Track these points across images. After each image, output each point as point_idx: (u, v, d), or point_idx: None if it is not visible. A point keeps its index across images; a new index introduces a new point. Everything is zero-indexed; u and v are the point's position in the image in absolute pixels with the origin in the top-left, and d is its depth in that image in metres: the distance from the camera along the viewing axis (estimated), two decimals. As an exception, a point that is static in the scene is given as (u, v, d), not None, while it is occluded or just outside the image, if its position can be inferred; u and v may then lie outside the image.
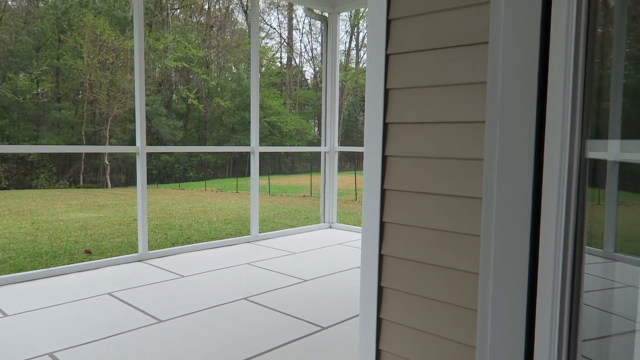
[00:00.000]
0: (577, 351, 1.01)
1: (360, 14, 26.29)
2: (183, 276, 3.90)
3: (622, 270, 1.01)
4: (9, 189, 18.51)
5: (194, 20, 25.95)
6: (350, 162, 23.66)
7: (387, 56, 1.62)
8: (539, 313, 1.11)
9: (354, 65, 28.37)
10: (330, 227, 6.20)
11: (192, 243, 5.72)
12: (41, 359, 2.40)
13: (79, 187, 20.26)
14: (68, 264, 4.61)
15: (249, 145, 5.26)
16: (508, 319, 1.19)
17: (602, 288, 1.06)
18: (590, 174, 0.94)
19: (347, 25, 27.42)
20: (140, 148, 4.26)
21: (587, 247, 1.00)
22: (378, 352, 1.73)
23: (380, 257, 1.70)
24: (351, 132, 27.20)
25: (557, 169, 0.93)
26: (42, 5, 21.56)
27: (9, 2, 21.20)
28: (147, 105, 20.56)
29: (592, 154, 0.86)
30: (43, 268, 4.25)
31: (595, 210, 1.01)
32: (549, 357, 1.04)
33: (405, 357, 1.63)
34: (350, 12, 25.99)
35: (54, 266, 4.24)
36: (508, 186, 1.15)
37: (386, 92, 1.65)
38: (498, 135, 1.14)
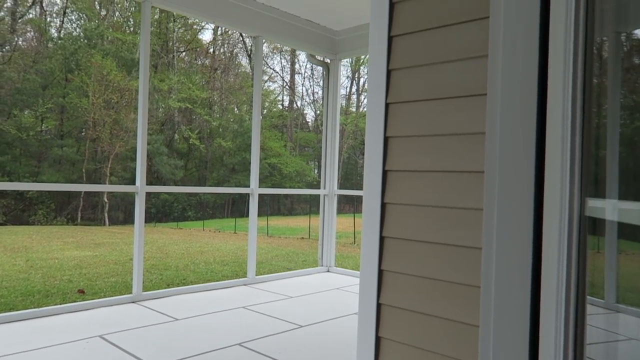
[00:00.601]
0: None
1: (361, 61, 26.92)
2: (177, 319, 3.82)
3: (625, 322, 0.99)
4: (5, 224, 18.40)
5: (199, 62, 26.56)
6: (350, 205, 23.64)
7: (386, 105, 1.65)
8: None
9: (354, 109, 28.82)
10: (328, 271, 6.13)
11: (188, 284, 5.63)
12: (25, 405, 2.31)
13: (76, 225, 20.15)
14: (60, 303, 4.53)
15: (249, 186, 5.27)
16: (509, 375, 1.16)
17: (605, 340, 1.03)
18: (590, 223, 0.94)
19: (348, 70, 28.03)
20: (140, 187, 4.26)
21: (588, 297, 0.98)
22: (375, 406, 1.67)
23: (378, 305, 1.66)
24: (351, 175, 27.32)
25: (557, 225, 0.93)
26: (51, 45, 22.11)
27: (20, 42, 21.75)
28: (148, 144, 20.76)
29: (591, 212, 0.85)
30: (35, 307, 4.16)
31: (595, 259, 1.00)
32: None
33: (403, 412, 1.57)
34: (352, 59, 26.65)
35: (46, 306, 4.16)
36: (508, 238, 1.14)
37: (385, 139, 1.66)
38: (497, 186, 1.14)
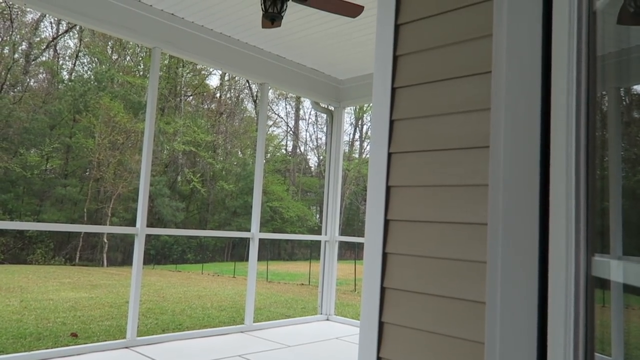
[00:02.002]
0: None
1: (364, 109, 27.38)
2: (170, 367, 3.70)
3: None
4: (3, 263, 18.21)
5: (205, 106, 27.05)
6: (351, 251, 23.40)
7: (389, 154, 1.65)
8: None
9: (357, 156, 29.05)
10: (328, 319, 5.99)
11: (184, 330, 5.50)
12: None
13: (74, 265, 19.94)
14: (52, 347, 4.41)
15: (250, 229, 5.24)
16: None
17: None
18: (597, 281, 0.91)
19: (352, 117, 28.47)
20: (140, 229, 4.24)
21: (597, 354, 0.94)
22: None
23: (379, 359, 1.61)
24: (353, 221, 27.21)
25: (563, 284, 0.91)
26: (61, 87, 22.62)
27: (31, 83, 22.26)
28: (151, 185, 20.82)
29: (598, 271, 0.83)
30: (26, 351, 4.05)
31: (602, 316, 0.97)
32: None
33: None
34: (355, 107, 27.13)
35: (38, 349, 4.04)
36: (512, 293, 1.12)
37: (387, 188, 1.65)
38: (500, 239, 1.12)
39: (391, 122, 1.66)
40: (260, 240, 5.34)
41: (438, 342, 1.45)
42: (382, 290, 1.63)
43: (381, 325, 1.62)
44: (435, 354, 1.45)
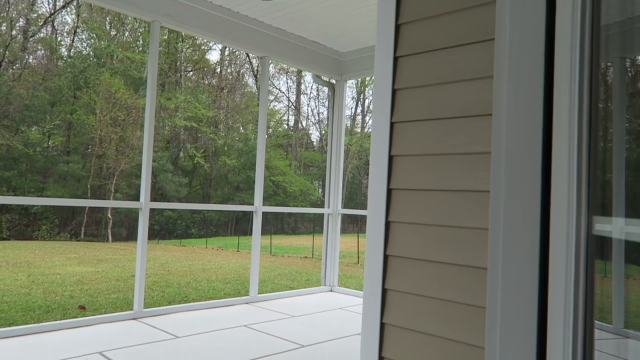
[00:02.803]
0: None
1: (367, 82, 27.16)
2: (177, 337, 3.79)
3: (634, 347, 0.97)
4: (9, 239, 18.41)
5: (206, 82, 26.86)
6: (354, 225, 23.56)
7: (391, 124, 1.66)
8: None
9: (359, 130, 28.96)
10: (331, 291, 6.08)
11: (190, 302, 5.60)
12: (23, 421, 2.28)
13: (79, 240, 20.15)
14: (61, 319, 4.51)
15: (253, 204, 5.27)
16: (514, 398, 1.14)
17: None
18: (598, 247, 0.93)
19: (354, 91, 28.26)
20: (144, 204, 4.27)
21: (597, 322, 0.97)
22: None
23: (382, 325, 1.65)
24: (355, 195, 27.31)
25: (564, 244, 0.93)
26: (61, 63, 22.44)
27: (30, 60, 22.08)
28: (154, 161, 20.85)
29: (598, 231, 0.85)
30: (35, 323, 4.14)
31: (603, 284, 0.99)
32: None
33: None
34: (357, 80, 26.89)
35: (46, 321, 4.13)
36: (514, 258, 1.14)
37: (390, 158, 1.67)
38: (503, 205, 1.14)
39: (393, 92, 1.66)
40: (264, 214, 5.38)
41: (440, 307, 1.48)
42: (385, 258, 1.66)
43: (384, 292, 1.65)
44: (437, 318, 1.48)
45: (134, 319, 4.25)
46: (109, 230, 21.14)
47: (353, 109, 28.87)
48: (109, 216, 21.24)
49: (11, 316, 5.60)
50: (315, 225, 23.22)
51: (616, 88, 1.19)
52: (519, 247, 1.13)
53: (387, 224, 1.65)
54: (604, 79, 1.20)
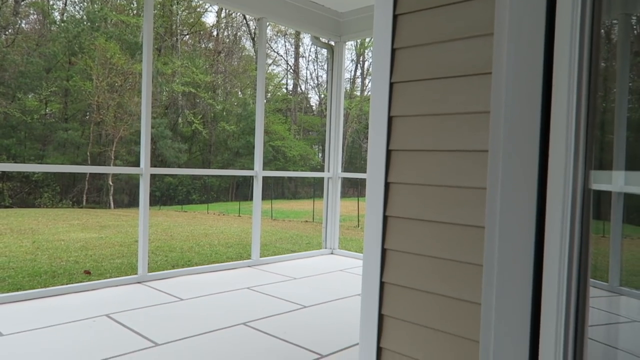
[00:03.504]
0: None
1: (366, 44, 26.71)
2: (182, 299, 3.86)
3: (628, 304, 1.00)
4: (12, 207, 18.54)
5: (202, 46, 26.41)
6: (354, 189, 23.67)
7: (391, 84, 1.64)
8: (543, 347, 1.09)
9: (359, 93, 28.69)
10: (332, 253, 6.16)
11: (193, 266, 5.69)
12: (35, 380, 2.36)
13: (81, 207, 20.29)
14: (67, 284, 4.59)
15: (253, 169, 5.28)
16: (510, 351, 1.17)
17: (607, 322, 1.04)
18: (595, 206, 0.94)
19: (353, 54, 27.84)
20: (144, 169, 4.28)
21: (592, 280, 0.99)
22: (377, 382, 1.69)
23: (382, 284, 1.68)
24: (355, 159, 27.30)
25: (561, 199, 0.93)
26: (54, 28, 22.01)
27: (23, 25, 21.65)
28: (152, 127, 20.71)
29: (596, 185, 0.86)
30: (41, 288, 4.22)
31: (600, 243, 1.00)
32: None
33: (405, 388, 1.59)
34: (356, 42, 26.43)
35: (53, 286, 4.21)
36: (511, 216, 1.15)
37: (390, 119, 1.66)
38: (501, 165, 1.14)
39: (393, 51, 1.64)
40: (264, 180, 5.39)
41: (439, 265, 1.51)
42: (385, 218, 1.67)
43: (384, 251, 1.68)
44: (435, 276, 1.51)
45: (138, 282, 4.33)
46: (111, 197, 21.25)
47: (352, 72, 28.51)
48: (110, 183, 21.31)
49: (18, 281, 5.70)
50: (315, 189, 23.33)
51: (620, 46, 1.17)
52: (517, 205, 1.15)
53: (387, 185, 1.66)
54: (608, 36, 1.18)
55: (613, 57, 1.17)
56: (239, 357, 2.74)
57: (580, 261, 0.97)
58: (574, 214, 0.91)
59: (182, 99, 24.81)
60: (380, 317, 1.69)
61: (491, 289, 1.21)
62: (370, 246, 1.71)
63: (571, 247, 0.96)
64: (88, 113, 22.45)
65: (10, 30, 20.98)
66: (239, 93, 26.95)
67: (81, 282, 4.19)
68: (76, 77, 21.12)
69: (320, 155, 27.41)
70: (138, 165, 4.37)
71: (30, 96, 20.77)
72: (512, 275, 1.17)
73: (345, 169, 25.20)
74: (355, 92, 28.80)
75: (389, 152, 1.67)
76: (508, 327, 1.18)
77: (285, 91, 29.44)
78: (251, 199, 5.39)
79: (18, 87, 20.15)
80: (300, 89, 30.05)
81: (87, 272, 6.33)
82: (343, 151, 7.00)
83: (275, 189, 25.45)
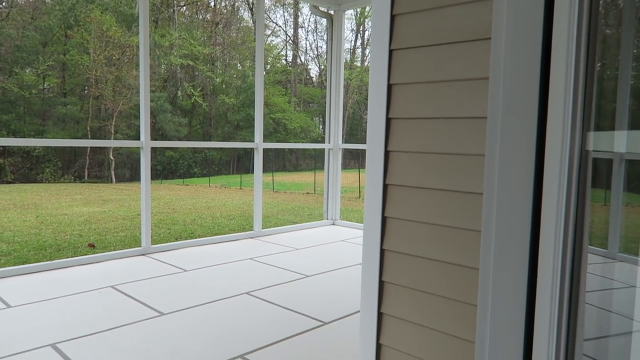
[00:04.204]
0: (575, 348, 1.01)
1: (366, 13, 26.27)
2: (186, 270, 3.92)
3: (627, 270, 1.01)
4: (14, 182, 18.61)
5: (200, 17, 25.98)
6: (355, 160, 23.66)
7: (390, 52, 1.63)
8: (539, 309, 1.11)
9: (359, 64, 28.36)
10: (334, 224, 6.21)
11: (196, 238, 5.74)
12: (44, 349, 2.42)
13: (83, 182, 20.36)
14: (72, 257, 4.64)
15: (253, 141, 5.28)
16: (507, 314, 1.20)
17: (603, 288, 1.06)
18: (594, 171, 0.94)
19: (353, 23, 27.41)
20: (145, 143, 4.28)
21: (591, 247, 1.00)
22: (378, 347, 1.73)
23: (382, 251, 1.70)
24: (356, 131, 27.20)
25: (558, 162, 0.94)
26: (49, 1, 21.63)
27: (16, -3, 21.28)
28: (152, 101, 20.59)
29: (594, 147, 0.86)
30: (47, 261, 4.27)
31: (599, 209, 1.01)
32: (547, 353, 1.04)
33: (405, 351, 1.63)
34: (356, 10, 25.98)
35: (58, 259, 4.26)
36: (509, 182, 1.16)
37: (389, 87, 1.65)
38: (499, 131, 1.14)
39: (392, 18, 1.62)
40: (265, 152, 5.39)
41: (439, 232, 1.52)
42: (385, 187, 1.68)
43: (384, 220, 1.69)
44: (435, 243, 1.53)
45: (142, 254, 4.38)
46: (112, 172, 21.29)
47: (352, 42, 28.12)
48: (111, 157, 21.32)
49: (24, 255, 5.77)
50: (316, 161, 23.31)
51: (626, 11, 1.16)
52: (515, 170, 1.15)
53: (387, 154, 1.67)
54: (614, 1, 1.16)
55: (615, 19, 1.16)
56: (243, 325, 2.80)
57: (576, 223, 0.98)
58: (571, 177, 0.92)
59: (180, 71, 24.57)
60: (381, 284, 1.71)
61: (489, 254, 1.23)
62: (370, 214, 1.73)
63: (567, 210, 0.97)
64: (86, 87, 22.29)
65: (4, 3, 20.65)
66: (238, 65, 26.66)
67: (86, 255, 4.24)
68: (73, 50, 20.88)
69: (321, 127, 27.30)
70: (138, 138, 4.37)
71: (27, 71, 20.59)
72: (510, 241, 1.18)
73: (346, 141, 25.11)
74: (355, 63, 28.47)
75: (388, 121, 1.66)
76: (505, 291, 1.20)
77: (284, 63, 29.11)
78: (252, 172, 5.40)
79: (15, 61, 19.95)
80: (300, 60, 29.70)
81: (92, 245, 6.40)
82: (344, 122, 6.96)
83: (276, 162, 25.45)
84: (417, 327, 1.59)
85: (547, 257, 1.07)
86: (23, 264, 4.25)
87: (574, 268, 1.01)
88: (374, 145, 1.69)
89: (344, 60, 6.21)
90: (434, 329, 1.54)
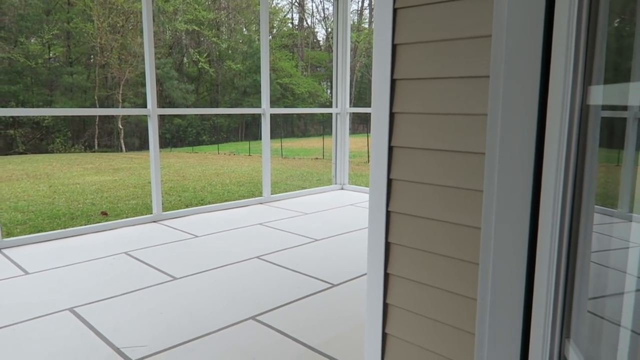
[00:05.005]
0: (574, 304, 1.03)
1: (374, -29, 25.54)
2: (197, 236, 3.98)
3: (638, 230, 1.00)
4: (26, 153, 18.80)
5: (203, -20, 25.43)
6: (363, 125, 23.51)
7: (394, 10, 1.59)
8: (539, 263, 1.12)
9: (367, 25, 27.77)
10: (342, 189, 6.24)
11: (206, 204, 5.81)
12: (62, 314, 2.50)
13: (94, 151, 20.51)
14: (85, 224, 4.73)
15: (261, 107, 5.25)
16: (508, 270, 1.21)
17: (615, 248, 1.06)
18: (593, 122, 0.92)
19: (360, -17, 26.69)
20: (152, 110, 4.28)
21: (603, 207, 1.00)
22: (385, 306, 1.77)
23: (388, 213, 1.71)
24: (364, 94, 26.90)
25: (559, 117, 0.93)
26: (49, -33, 21.26)
27: (17, -36, 20.93)
28: (158, 68, 20.43)
29: (594, 101, 0.85)
30: (61, 229, 4.36)
31: (613, 170, 1.00)
32: (545, 308, 1.06)
33: (411, 309, 1.67)
34: (363, -30, 25.25)
35: (72, 227, 4.35)
36: (511, 141, 1.15)
37: (394, 47, 1.62)
38: (502, 88, 1.13)
39: (396, -25, 1.58)
40: (273, 118, 5.36)
41: (444, 193, 1.53)
42: (390, 149, 1.68)
43: (390, 182, 1.70)
44: (440, 204, 1.54)
45: (154, 221, 4.45)
46: (122, 141, 21.38)
47: (360, 3, 27.47)
48: (120, 126, 21.37)
49: (38, 224, 5.89)
50: (324, 126, 23.20)
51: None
52: (517, 129, 1.14)
53: (392, 115, 1.65)
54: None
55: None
56: (253, 288, 2.86)
57: (575, 180, 0.97)
58: (571, 131, 0.91)
59: (185, 37, 24.27)
60: (387, 245, 1.73)
61: (490, 214, 1.23)
62: (376, 177, 1.73)
63: (567, 162, 0.97)
64: (92, 56, 22.15)
65: (5, -29, 20.33)
66: (244, 30, 26.24)
67: (99, 222, 4.31)
68: (77, 18, 20.65)
69: (329, 91, 27.03)
70: (146, 107, 4.37)
71: (32, 40, 20.46)
72: (511, 200, 1.19)
73: (354, 105, 24.90)
74: (363, 24, 27.88)
75: (393, 82, 1.64)
76: (505, 249, 1.21)
77: (290, 26, 28.59)
78: (261, 138, 5.40)
79: (19, 31, 19.81)
80: (306, 23, 29.15)
81: (104, 213, 6.51)
82: (351, 86, 6.88)
83: (284, 128, 25.37)
84: (422, 286, 1.62)
85: (547, 211, 1.07)
86: (38, 232, 4.34)
87: (572, 222, 1.01)
88: (378, 108, 1.68)
89: (351, 22, 6.08)
90: (439, 288, 1.56)
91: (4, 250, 3.55)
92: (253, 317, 2.46)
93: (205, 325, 2.37)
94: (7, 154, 18.05)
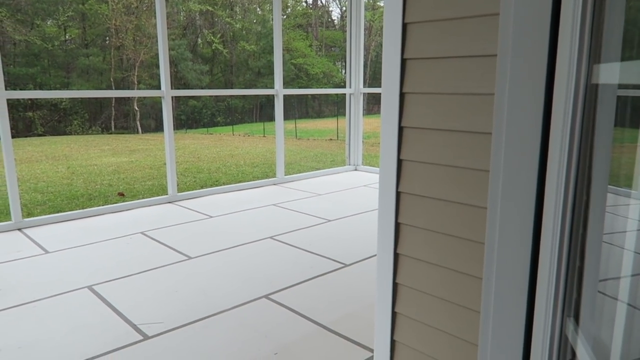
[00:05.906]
0: (582, 285, 1.03)
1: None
2: (211, 216, 4.04)
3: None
4: (44, 135, 19.09)
5: (217, -41, 25.20)
6: (378, 105, 23.29)
7: (405, -11, 1.57)
8: (543, 241, 1.12)
9: (382, 4, 27.33)
10: (356, 170, 6.24)
11: (220, 185, 5.86)
12: (81, 291, 2.57)
13: (110, 133, 20.73)
14: (103, 205, 4.82)
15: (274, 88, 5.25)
16: (513, 249, 1.22)
17: (631, 230, 1.05)
18: (598, 95, 0.91)
19: (375, -40, 26.19)
20: (165, 92, 4.31)
21: (619, 188, 0.99)
22: (395, 286, 1.79)
23: (398, 194, 1.72)
24: (379, 74, 26.60)
25: (564, 95, 0.92)
26: (64, -52, 21.26)
27: (31, -54, 20.97)
28: (172, 50, 20.41)
29: (600, 80, 0.84)
30: (79, 209, 4.45)
31: (630, 149, 0.99)
32: (547, 288, 1.06)
33: (420, 289, 1.68)
34: (378, -54, 24.77)
35: (90, 207, 4.43)
36: (517, 120, 1.14)
37: (404, 26, 1.61)
38: (509, 66, 1.12)
39: (407, -47, 1.55)
40: (287, 99, 5.35)
41: (452, 173, 1.53)
42: (400, 130, 1.68)
43: (400, 162, 1.70)
44: (449, 184, 1.54)
45: (169, 202, 4.51)
46: (138, 122, 21.57)
47: (375, -19, 26.97)
48: (136, 108, 21.54)
49: (57, 204, 6.02)
50: (339, 107, 23.09)
51: None
52: (523, 108, 1.13)
53: (402, 96, 1.65)
54: None
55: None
56: (266, 268, 2.90)
57: (579, 158, 0.97)
58: (576, 109, 0.90)
59: (199, 18, 24.19)
60: (397, 226, 1.74)
61: (496, 195, 1.23)
62: (386, 158, 1.73)
63: (571, 141, 0.96)
64: (107, 37, 22.24)
65: (20, -47, 20.40)
66: (258, 9, 26.04)
67: (116, 203, 4.39)
68: (91, 0, 20.69)
69: (343, 72, 26.80)
70: (160, 88, 4.39)
71: (48, 22, 20.59)
72: (517, 179, 1.18)
73: (369, 85, 24.65)
74: (378, 3, 27.44)
75: (403, 61, 1.63)
76: (511, 227, 1.22)
77: (305, 5, 28.27)
78: (275, 120, 5.40)
79: (35, 13, 19.94)
80: (321, 1, 28.79)
81: (121, 194, 6.62)
82: (366, 66, 6.82)
83: (299, 108, 25.31)
84: (431, 266, 1.63)
85: (551, 190, 1.07)
86: (57, 212, 4.44)
87: (580, 202, 1.01)
88: (389, 88, 1.67)
89: (365, 0, 6.00)
90: (448, 268, 1.57)
91: (24, 230, 3.64)
92: (266, 296, 2.50)
93: (219, 303, 2.42)
94: (26, 136, 18.36)
